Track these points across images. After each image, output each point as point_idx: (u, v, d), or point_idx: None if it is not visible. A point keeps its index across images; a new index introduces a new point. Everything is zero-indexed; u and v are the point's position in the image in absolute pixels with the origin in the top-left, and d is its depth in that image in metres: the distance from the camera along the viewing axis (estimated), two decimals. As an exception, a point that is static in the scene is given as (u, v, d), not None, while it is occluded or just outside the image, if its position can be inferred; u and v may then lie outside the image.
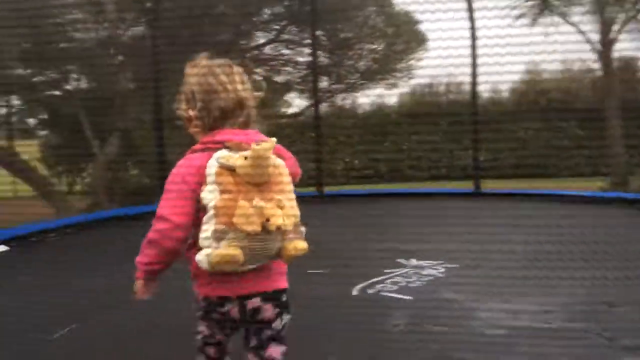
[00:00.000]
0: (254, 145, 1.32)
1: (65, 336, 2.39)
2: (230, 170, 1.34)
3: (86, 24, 6.11)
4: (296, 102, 10.60)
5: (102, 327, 2.49)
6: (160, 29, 5.21)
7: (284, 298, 1.49)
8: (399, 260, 3.55)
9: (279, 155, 1.43)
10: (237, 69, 1.52)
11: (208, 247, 1.31)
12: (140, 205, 6.06)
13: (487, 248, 3.37)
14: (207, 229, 1.33)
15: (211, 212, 1.33)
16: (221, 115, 1.47)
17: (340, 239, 4.15)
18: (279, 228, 1.32)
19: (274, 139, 1.38)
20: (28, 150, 8.43)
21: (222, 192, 1.33)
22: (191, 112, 1.51)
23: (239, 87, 1.48)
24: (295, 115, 9.29)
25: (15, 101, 7.96)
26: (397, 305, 2.70)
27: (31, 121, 9.66)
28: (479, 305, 2.66)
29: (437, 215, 4.55)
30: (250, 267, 1.37)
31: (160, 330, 2.40)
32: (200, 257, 1.32)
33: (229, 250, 1.29)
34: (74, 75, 7.57)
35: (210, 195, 1.34)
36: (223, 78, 1.48)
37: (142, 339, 2.32)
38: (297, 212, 1.40)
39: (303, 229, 1.42)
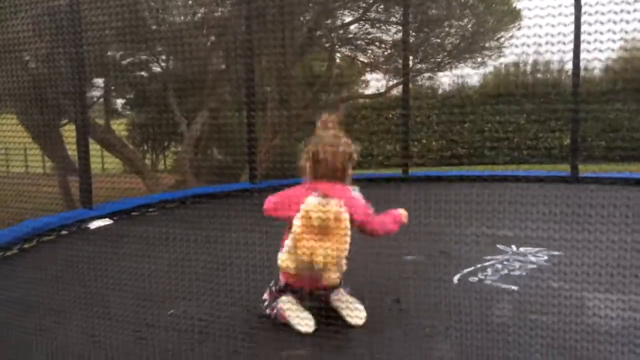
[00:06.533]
0: (321, 208, 2.08)
1: (180, 311, 2.49)
2: (310, 217, 2.10)
3: (180, 6, 6.27)
4: (372, 83, 10.46)
5: (211, 304, 2.56)
6: (252, 9, 5.25)
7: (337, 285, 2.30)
8: (498, 246, 3.44)
9: (350, 206, 2.17)
10: (342, 144, 2.28)
11: (283, 251, 2.20)
12: (227, 184, 6.23)
13: (592, 235, 3.17)
14: (288, 242, 2.18)
15: (292, 235, 2.14)
16: (321, 176, 2.27)
17: (431, 223, 4.06)
18: (317, 264, 2.08)
19: (344, 209, 2.12)
20: (118, 128, 8.89)
21: (301, 225, 2.11)
22: (307, 165, 2.31)
23: (338, 164, 2.26)
24: (376, 95, 9.15)
25: (109, 82, 8.35)
26: (503, 294, 2.60)
27: (121, 101, 10.14)
28: (590, 296, 2.51)
29: (533, 200, 4.35)
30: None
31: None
32: (279, 255, 2.21)
33: (287, 261, 2.16)
34: (164, 57, 7.84)
35: (297, 222, 2.12)
36: (329, 159, 2.25)
37: (245, 315, 2.38)
38: (342, 254, 2.12)
39: (345, 266, 2.18)
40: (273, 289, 2.35)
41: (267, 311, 2.32)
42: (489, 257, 3.20)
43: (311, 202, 2.13)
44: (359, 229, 2.29)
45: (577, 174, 6.16)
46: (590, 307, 2.38)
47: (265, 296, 2.37)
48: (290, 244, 2.15)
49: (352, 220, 2.18)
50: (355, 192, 2.33)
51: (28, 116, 6.22)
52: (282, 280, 2.31)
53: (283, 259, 2.17)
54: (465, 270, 2.96)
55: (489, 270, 2.96)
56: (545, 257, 3.19)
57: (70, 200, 6.52)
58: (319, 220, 2.08)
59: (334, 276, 2.13)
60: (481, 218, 4.20)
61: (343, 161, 2.28)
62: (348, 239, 2.15)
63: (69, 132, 6.03)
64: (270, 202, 2.29)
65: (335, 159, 2.27)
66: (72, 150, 6.04)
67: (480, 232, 3.85)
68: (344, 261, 2.16)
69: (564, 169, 6.73)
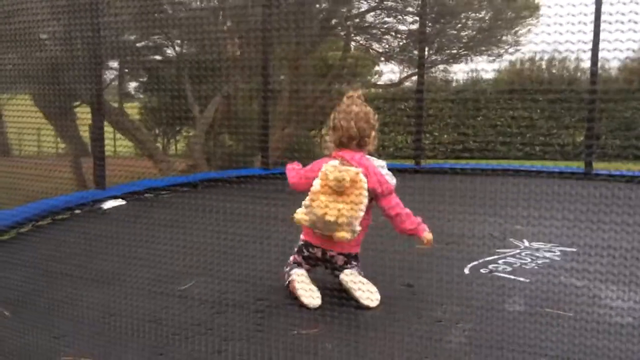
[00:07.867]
0: (338, 169, 2.19)
1: (193, 287, 2.52)
2: (327, 177, 2.21)
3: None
4: (386, 74, 10.38)
5: (222, 282, 2.58)
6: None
7: (352, 256, 2.39)
8: (510, 240, 3.43)
9: (366, 175, 2.24)
10: (356, 110, 2.33)
11: (301, 207, 2.27)
12: (240, 169, 6.25)
13: (608, 232, 3.15)
14: (306, 199, 2.26)
15: (309, 193, 2.25)
16: (340, 143, 2.37)
17: (443, 215, 4.05)
18: (329, 221, 2.17)
19: (361, 169, 2.22)
20: (131, 112, 8.92)
21: (319, 185, 2.22)
22: (328, 135, 2.45)
23: (354, 127, 2.31)
24: (389, 85, 9.09)
25: (123, 64, 8.36)
26: (513, 287, 2.59)
27: (134, 84, 10.14)
28: (604, 292, 2.50)
29: (546, 195, 4.32)
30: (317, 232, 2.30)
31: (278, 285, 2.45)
32: (297, 210, 2.28)
33: (302, 215, 2.25)
34: (178, 41, 7.84)
35: (315, 183, 2.25)
36: (343, 123, 2.33)
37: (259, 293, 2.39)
38: (355, 214, 2.18)
39: (358, 227, 2.23)
40: (296, 249, 2.45)
41: (285, 277, 2.41)
42: (500, 251, 3.19)
43: (330, 164, 2.27)
44: (377, 202, 2.33)
45: (592, 171, 6.12)
46: (603, 302, 2.38)
47: (291, 259, 2.46)
48: (307, 200, 2.24)
49: (369, 189, 2.24)
50: (383, 169, 2.36)
51: (42, 97, 6.24)
52: (301, 238, 2.43)
53: (298, 211, 2.26)
54: (477, 262, 2.95)
55: (500, 263, 2.96)
56: (558, 253, 3.18)
57: (83, 181, 6.56)
58: (335, 181, 2.17)
59: (344, 234, 2.19)
60: (494, 211, 4.19)
61: (357, 123, 2.31)
62: (364, 201, 2.21)
63: (82, 114, 6.07)
64: (296, 176, 2.45)
65: (349, 122, 2.31)
66: (84, 132, 6.09)
67: (493, 226, 3.84)
68: (357, 222, 2.21)
69: (577, 166, 6.68)
